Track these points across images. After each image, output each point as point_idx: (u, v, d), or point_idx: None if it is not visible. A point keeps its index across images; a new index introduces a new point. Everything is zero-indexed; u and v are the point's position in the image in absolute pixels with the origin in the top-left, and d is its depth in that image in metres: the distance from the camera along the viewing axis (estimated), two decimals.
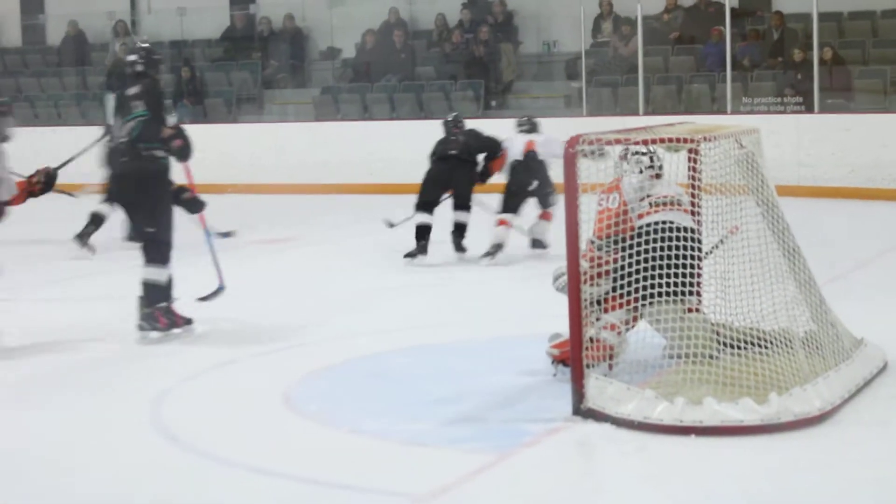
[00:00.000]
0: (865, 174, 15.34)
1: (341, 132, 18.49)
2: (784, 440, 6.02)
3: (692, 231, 7.00)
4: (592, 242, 7.00)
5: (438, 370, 7.59)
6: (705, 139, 6.82)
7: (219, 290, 9.35)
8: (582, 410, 6.38)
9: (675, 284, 6.81)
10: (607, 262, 6.97)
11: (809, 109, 16.47)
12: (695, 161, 7.05)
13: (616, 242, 7.02)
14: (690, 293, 6.88)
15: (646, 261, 6.82)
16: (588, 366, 6.49)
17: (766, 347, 6.72)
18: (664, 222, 6.96)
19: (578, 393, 6.41)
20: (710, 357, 6.65)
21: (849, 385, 6.65)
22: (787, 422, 6.12)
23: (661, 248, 6.84)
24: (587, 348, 6.58)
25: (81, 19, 22.36)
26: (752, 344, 6.84)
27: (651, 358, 6.97)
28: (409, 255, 11.48)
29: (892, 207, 14.44)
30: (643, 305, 6.87)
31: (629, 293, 6.86)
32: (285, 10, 20.95)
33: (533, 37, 20.07)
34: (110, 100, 8.75)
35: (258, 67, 20.87)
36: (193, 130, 15.95)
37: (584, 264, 6.75)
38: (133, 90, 8.78)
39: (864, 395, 6.69)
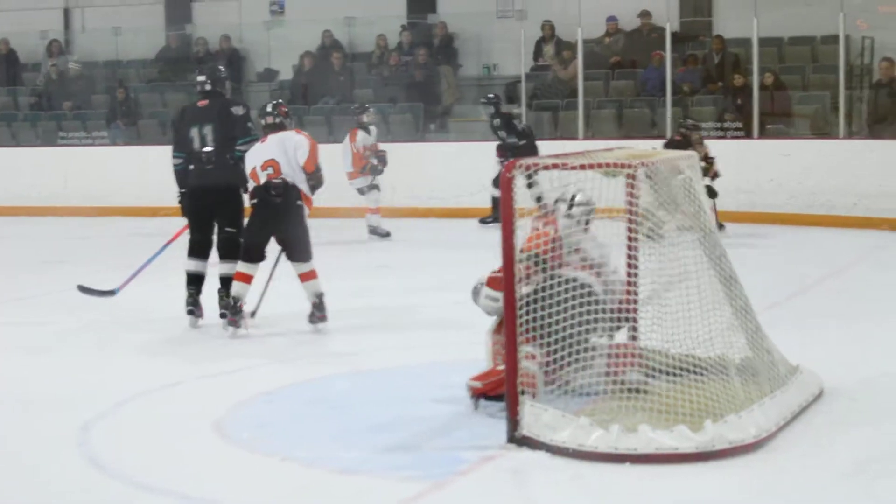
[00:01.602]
0: (804, 200, 15.50)
1: None
2: (719, 468, 6.07)
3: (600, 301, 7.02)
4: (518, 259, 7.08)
5: (375, 396, 7.60)
6: (643, 164, 6.87)
7: (108, 293, 10.11)
8: (517, 438, 6.40)
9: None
10: (527, 276, 7.02)
11: (749, 135, 16.62)
12: (633, 187, 7.09)
13: (543, 261, 7.07)
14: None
15: (557, 313, 6.85)
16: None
17: (701, 374, 6.76)
18: (588, 285, 7.01)
19: (513, 420, 6.44)
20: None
21: (784, 412, 6.72)
22: (722, 449, 6.18)
23: (572, 306, 6.85)
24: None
25: (13, 38, 22.19)
26: (688, 371, 6.87)
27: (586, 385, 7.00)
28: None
29: (829, 234, 14.58)
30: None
31: (536, 330, 6.89)
32: (221, 30, 20.90)
33: (473, 60, 20.14)
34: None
35: (194, 89, 20.72)
36: (128, 152, 16.05)
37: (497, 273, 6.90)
38: (241, 111, 9.93)
39: (800, 423, 6.75)
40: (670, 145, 14.06)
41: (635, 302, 7.11)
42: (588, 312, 6.86)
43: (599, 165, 6.86)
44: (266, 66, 20.94)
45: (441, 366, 8.18)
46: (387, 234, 15.34)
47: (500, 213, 6.60)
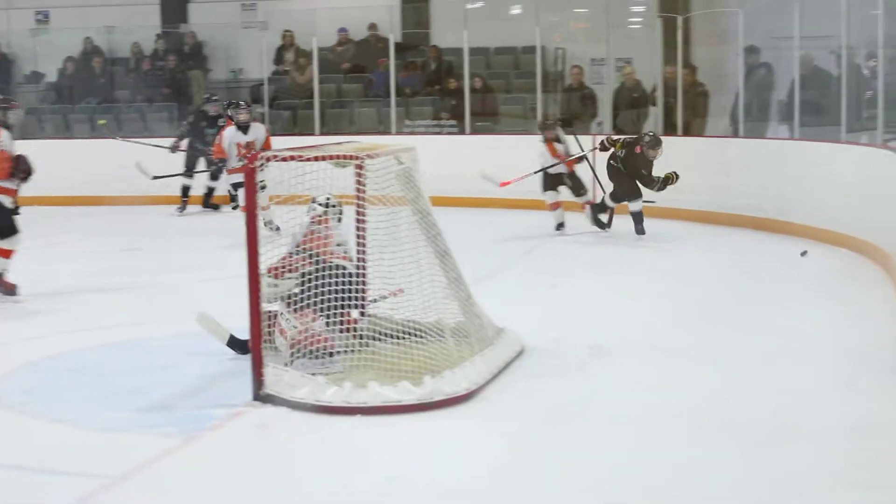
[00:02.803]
0: (509, 188, 15.70)
1: (45, 150, 17.86)
2: (437, 417, 6.18)
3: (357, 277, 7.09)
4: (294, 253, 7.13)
5: (132, 365, 7.44)
6: (368, 156, 6.91)
7: None
8: (261, 396, 6.40)
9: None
10: (294, 268, 7.03)
11: (462, 131, 16.85)
12: (360, 175, 7.11)
13: (316, 256, 7.09)
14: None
15: (327, 292, 6.89)
16: (328, 353, 6.76)
17: (421, 337, 6.85)
18: (344, 268, 7.05)
19: (258, 380, 6.42)
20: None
21: (492, 368, 6.86)
22: (439, 400, 6.29)
23: (338, 288, 6.91)
24: (308, 338, 6.75)
25: None
26: (410, 334, 6.95)
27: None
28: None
29: (529, 216, 14.82)
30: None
31: (311, 305, 6.93)
32: None
33: (221, 65, 19.87)
34: None
35: None
36: None
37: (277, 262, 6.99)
38: None
39: (505, 376, 6.91)
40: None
41: (365, 276, 7.14)
42: (347, 291, 6.91)
43: (331, 157, 6.89)
44: (33, 70, 20.26)
45: (188, 337, 7.88)
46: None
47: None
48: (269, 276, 7.04)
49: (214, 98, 16.39)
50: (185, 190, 16.11)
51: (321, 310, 6.88)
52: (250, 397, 6.41)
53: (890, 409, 6.26)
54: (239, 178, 13.10)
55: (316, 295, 6.89)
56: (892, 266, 9.59)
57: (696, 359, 7.43)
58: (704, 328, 8.33)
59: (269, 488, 5.30)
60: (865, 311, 8.74)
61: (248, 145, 13.47)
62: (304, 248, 7.22)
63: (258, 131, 13.77)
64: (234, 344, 7.33)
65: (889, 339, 7.79)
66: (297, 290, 7.03)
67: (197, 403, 6.51)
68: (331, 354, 6.78)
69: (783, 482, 5.24)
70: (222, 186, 15.22)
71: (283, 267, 7.05)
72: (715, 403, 6.44)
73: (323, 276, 6.95)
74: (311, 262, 7.10)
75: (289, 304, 7.06)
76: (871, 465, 5.42)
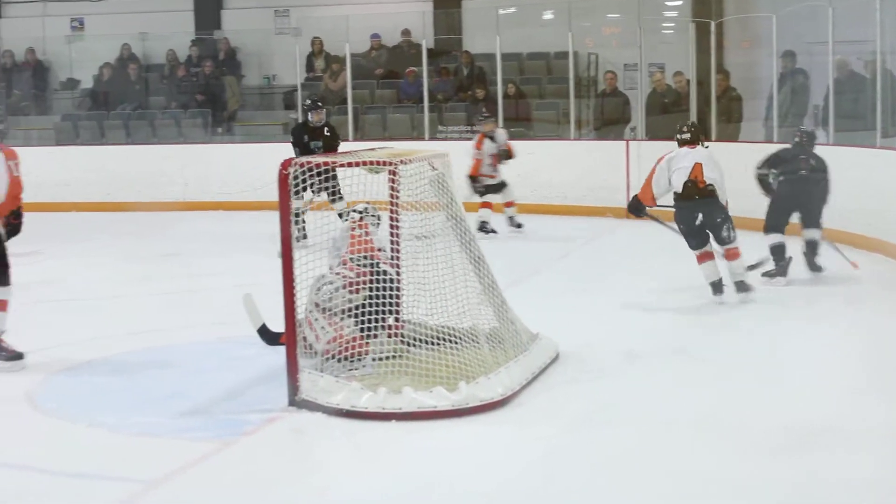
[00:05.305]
0: (543, 192, 15.76)
1: (80, 155, 18.02)
2: (471, 422, 6.18)
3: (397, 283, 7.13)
4: (351, 259, 7.25)
5: (168, 369, 7.49)
6: (402, 162, 6.92)
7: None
8: (297, 401, 6.41)
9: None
10: (364, 274, 7.10)
11: None
12: (394, 181, 7.12)
13: (370, 260, 7.20)
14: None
15: (379, 297, 6.96)
16: (358, 357, 6.79)
17: (456, 343, 6.84)
18: (387, 273, 7.08)
19: (294, 386, 6.44)
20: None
21: (526, 373, 6.85)
22: (474, 406, 6.28)
23: (386, 293, 6.97)
24: (340, 344, 6.79)
25: None
26: (445, 340, 6.94)
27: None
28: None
29: (564, 220, 14.85)
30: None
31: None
32: (27, 44, 20.25)
33: (255, 71, 19.97)
34: None
35: (3, 97, 20.11)
36: None
37: (349, 273, 7.11)
38: None
39: (539, 382, 6.90)
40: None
41: (399, 282, 7.15)
42: (392, 297, 6.99)
43: (365, 163, 6.91)
44: (69, 76, 20.39)
45: (225, 342, 8.06)
46: (518, 227, 13.67)
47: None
48: (346, 291, 7.09)
49: (318, 104, 13.95)
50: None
51: (368, 314, 6.92)
52: (286, 403, 6.43)
53: None
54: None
55: (368, 298, 6.97)
56: None
57: (729, 365, 7.41)
58: (738, 334, 8.30)
59: (304, 494, 5.31)
60: None
61: (494, 157, 13.48)
62: (362, 257, 7.25)
63: (500, 138, 13.49)
64: (265, 333, 7.35)
65: None
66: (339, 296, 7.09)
67: (233, 408, 6.52)
68: (360, 358, 6.80)
69: (816, 489, 5.21)
70: None
71: (359, 282, 7.09)
72: (747, 408, 6.41)
73: (374, 280, 6.99)
74: (371, 270, 7.14)
75: (323, 309, 7.09)
76: None
